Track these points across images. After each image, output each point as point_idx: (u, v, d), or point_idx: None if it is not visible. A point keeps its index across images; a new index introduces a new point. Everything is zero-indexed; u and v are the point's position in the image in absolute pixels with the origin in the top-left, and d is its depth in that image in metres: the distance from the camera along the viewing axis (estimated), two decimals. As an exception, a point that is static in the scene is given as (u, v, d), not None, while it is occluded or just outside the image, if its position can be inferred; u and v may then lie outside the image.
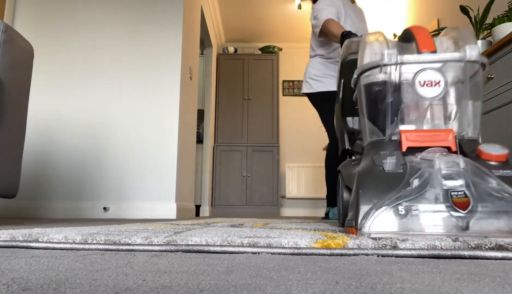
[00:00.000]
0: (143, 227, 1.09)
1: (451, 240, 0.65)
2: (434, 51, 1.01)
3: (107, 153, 2.93)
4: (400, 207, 0.79)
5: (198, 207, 4.71)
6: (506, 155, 0.90)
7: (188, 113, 3.45)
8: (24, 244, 0.64)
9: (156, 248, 0.61)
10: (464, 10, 2.36)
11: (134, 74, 3.05)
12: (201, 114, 4.97)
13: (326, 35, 2.27)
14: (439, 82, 0.99)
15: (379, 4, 4.80)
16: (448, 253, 0.57)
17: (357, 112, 1.30)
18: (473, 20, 2.39)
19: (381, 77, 1.04)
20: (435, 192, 0.80)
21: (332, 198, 2.37)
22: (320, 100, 2.44)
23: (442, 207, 0.78)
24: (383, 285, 0.35)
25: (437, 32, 2.69)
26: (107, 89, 3.03)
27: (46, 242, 0.65)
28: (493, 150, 0.91)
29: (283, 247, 0.61)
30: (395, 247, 0.61)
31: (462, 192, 0.79)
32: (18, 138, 1.68)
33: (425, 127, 1.03)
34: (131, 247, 0.62)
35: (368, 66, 1.06)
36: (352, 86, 1.18)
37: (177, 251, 0.61)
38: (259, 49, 5.66)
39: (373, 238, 0.69)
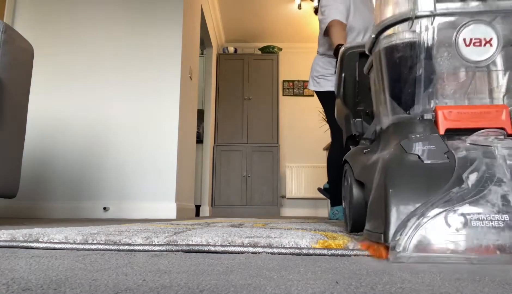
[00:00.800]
0: (143, 227, 1.09)
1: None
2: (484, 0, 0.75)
3: (107, 153, 2.93)
4: (453, 215, 0.55)
5: (198, 207, 4.71)
6: None
7: (188, 113, 3.45)
8: (25, 244, 0.64)
9: (157, 248, 0.61)
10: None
11: (134, 74, 3.05)
12: (201, 114, 4.97)
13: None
14: (490, 40, 0.74)
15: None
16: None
17: (359, 113, 1.14)
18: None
19: (408, 36, 0.78)
20: (501, 192, 0.57)
21: (335, 198, 2.35)
22: (326, 99, 2.40)
23: (506, 216, 0.54)
24: (383, 285, 0.35)
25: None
26: (107, 89, 3.03)
27: (46, 242, 0.65)
28: None
29: (284, 247, 0.60)
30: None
31: None
32: (18, 138, 1.68)
33: (467, 103, 0.78)
34: (132, 247, 0.62)
35: (392, 20, 0.78)
36: (367, 51, 0.92)
37: (178, 251, 0.61)
38: (259, 49, 5.66)
39: (415, 264, 0.50)
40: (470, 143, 0.67)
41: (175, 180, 2.90)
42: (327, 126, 5.59)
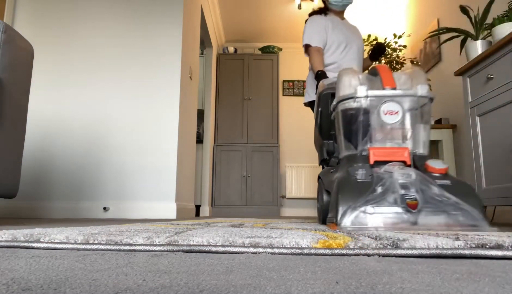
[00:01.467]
0: (144, 227, 1.09)
1: (452, 239, 0.65)
2: (394, 88, 1.33)
3: (107, 153, 2.93)
4: (368, 208, 1.05)
5: (198, 207, 4.71)
6: (446, 169, 1.21)
7: (188, 113, 3.45)
8: (26, 244, 0.64)
9: (158, 248, 0.61)
10: (464, 10, 2.36)
11: (134, 74, 3.05)
12: (201, 114, 4.97)
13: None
14: (397, 112, 1.32)
15: (379, 4, 4.81)
16: (449, 252, 0.57)
17: (332, 137, 1.70)
18: (473, 20, 2.39)
19: (354, 105, 1.37)
20: (393, 197, 1.07)
21: None
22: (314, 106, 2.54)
23: (398, 208, 1.05)
24: (383, 285, 0.35)
25: (437, 32, 2.69)
26: (107, 89, 3.03)
27: (48, 242, 0.65)
28: (436, 165, 1.21)
29: (285, 247, 0.60)
30: (396, 247, 0.61)
31: (413, 196, 1.06)
32: (18, 138, 1.68)
33: (387, 145, 1.33)
34: (133, 248, 0.62)
35: (345, 96, 1.38)
36: (331, 110, 1.51)
37: (179, 251, 0.61)
38: (259, 49, 5.66)
39: (348, 231, 0.95)
40: (384, 170, 1.17)
41: (175, 180, 2.90)
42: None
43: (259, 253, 0.59)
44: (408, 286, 0.35)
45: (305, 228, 1.08)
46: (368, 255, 0.58)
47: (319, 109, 1.72)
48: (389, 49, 3.62)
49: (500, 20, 2.13)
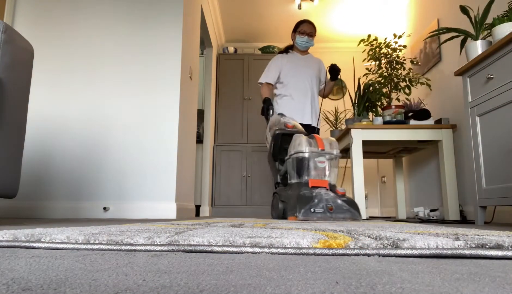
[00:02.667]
0: (144, 227, 1.09)
1: (452, 239, 0.65)
2: (323, 149, 2.36)
3: (107, 153, 2.93)
4: (311, 209, 2.05)
5: (198, 207, 4.70)
6: (344, 192, 2.24)
7: (188, 113, 3.45)
8: (27, 244, 0.64)
9: (159, 248, 0.61)
10: (464, 10, 2.36)
11: (134, 74, 3.05)
12: (201, 114, 4.97)
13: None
14: (324, 161, 2.37)
15: (379, 4, 4.80)
16: (449, 252, 0.57)
17: (281, 162, 2.74)
18: (473, 20, 2.39)
19: (301, 155, 2.35)
20: (322, 204, 2.08)
21: None
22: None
23: (324, 210, 2.07)
24: (383, 285, 0.35)
25: (437, 32, 2.69)
26: (107, 89, 3.03)
27: (48, 242, 0.65)
28: (340, 190, 2.24)
29: (285, 247, 0.61)
30: (396, 247, 0.61)
31: (331, 204, 2.09)
32: (18, 138, 1.68)
33: (318, 178, 2.33)
34: (134, 247, 0.62)
35: (297, 151, 2.37)
36: (287, 157, 2.50)
37: (180, 251, 0.61)
38: (259, 49, 5.66)
39: (301, 220, 1.92)
40: (317, 192, 2.18)
41: (175, 180, 2.90)
42: (327, 126, 5.59)
43: (259, 253, 0.59)
44: (408, 286, 0.35)
45: (305, 228, 1.08)
46: (368, 255, 0.58)
47: (273, 143, 2.71)
48: (389, 49, 3.62)
49: (500, 20, 2.13)
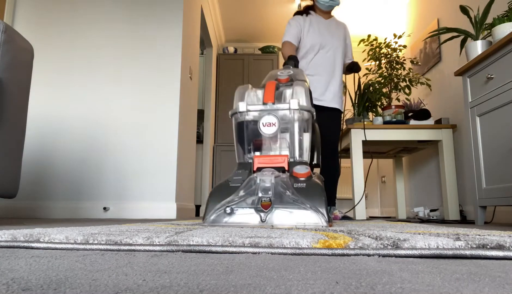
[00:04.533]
0: (144, 227, 1.09)
1: (453, 239, 0.65)
2: (273, 103, 1.49)
3: (107, 153, 2.93)
4: (227, 209, 1.25)
5: (198, 207, 4.70)
6: (306, 173, 1.35)
7: (188, 113, 3.45)
8: (26, 244, 0.64)
9: (158, 248, 0.61)
10: (464, 10, 2.36)
11: (134, 74, 3.05)
12: (201, 114, 4.97)
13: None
14: (275, 123, 1.46)
15: (379, 4, 4.80)
16: (450, 252, 0.57)
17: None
18: (473, 20, 2.39)
19: (241, 118, 1.53)
20: (252, 199, 1.26)
21: (329, 199, 2.49)
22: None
23: (251, 209, 1.24)
24: (383, 285, 0.35)
25: (437, 32, 2.69)
26: (107, 89, 3.03)
27: (47, 243, 0.65)
28: (300, 170, 1.36)
29: (285, 247, 0.60)
30: (397, 247, 0.61)
31: (268, 198, 1.24)
32: (18, 138, 1.68)
33: (272, 153, 1.52)
34: (133, 247, 0.62)
35: (233, 111, 1.54)
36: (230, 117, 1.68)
37: (179, 251, 0.61)
38: (259, 49, 5.66)
39: (210, 226, 1.16)
40: (256, 175, 1.35)
41: (175, 180, 2.90)
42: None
43: (259, 253, 0.59)
44: (408, 286, 0.35)
45: (305, 228, 1.08)
46: (368, 255, 0.58)
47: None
48: (389, 49, 3.62)
49: (500, 20, 2.13)
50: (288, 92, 1.58)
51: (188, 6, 3.42)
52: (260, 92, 1.59)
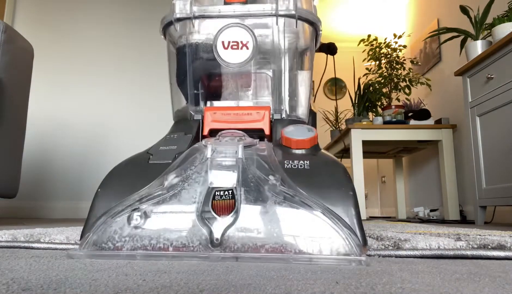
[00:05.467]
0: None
1: (453, 239, 0.65)
2: (245, 2, 0.76)
3: (107, 153, 2.93)
4: (136, 213, 0.55)
5: (198, 207, 4.71)
6: (309, 140, 0.69)
7: (188, 113, 3.45)
8: (26, 244, 0.64)
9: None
10: (464, 10, 2.36)
11: (135, 74, 3.05)
12: (201, 114, 4.97)
13: None
14: (247, 43, 0.74)
15: (379, 4, 4.81)
16: (451, 253, 0.56)
17: None
18: (473, 20, 2.39)
19: (181, 35, 0.80)
20: (194, 191, 0.57)
21: None
22: None
23: (192, 215, 0.55)
24: (383, 285, 0.35)
25: (437, 32, 2.69)
26: (107, 89, 3.03)
27: (48, 243, 0.65)
28: (295, 135, 0.69)
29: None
30: (398, 248, 0.61)
31: (229, 192, 0.57)
32: (18, 138, 1.68)
33: (241, 104, 0.82)
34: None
35: (166, 20, 0.80)
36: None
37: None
38: (259, 49, 5.65)
39: (88, 256, 0.52)
40: (204, 144, 0.65)
41: (175, 180, 2.90)
42: (327, 125, 5.60)
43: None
44: (408, 286, 0.35)
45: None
46: (369, 255, 0.58)
47: None
48: (389, 49, 3.62)
49: (500, 20, 2.13)
50: None
51: (188, 6, 3.43)
52: None
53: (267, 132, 0.74)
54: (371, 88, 3.49)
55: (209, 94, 0.82)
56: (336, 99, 3.82)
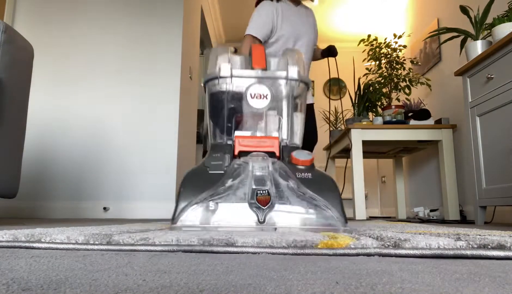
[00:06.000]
0: (144, 227, 1.09)
1: (454, 239, 0.65)
2: (265, 69, 1.18)
3: (107, 153, 2.93)
4: (211, 204, 0.93)
5: (198, 207, 4.70)
6: (310, 160, 1.06)
7: (188, 113, 3.45)
8: (27, 244, 0.64)
9: (159, 248, 0.61)
10: (464, 10, 2.36)
11: (134, 73, 3.05)
12: (201, 114, 4.97)
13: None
14: (266, 95, 1.15)
15: (379, 4, 4.81)
16: (451, 253, 0.57)
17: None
18: (473, 20, 2.39)
19: (220, 87, 1.19)
20: (244, 191, 0.96)
21: None
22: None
23: (246, 204, 0.93)
24: (383, 285, 0.35)
25: (437, 32, 2.69)
26: (107, 89, 3.03)
27: (48, 243, 0.65)
28: (300, 156, 1.06)
29: (286, 247, 0.60)
30: (398, 247, 0.61)
31: (266, 191, 0.95)
32: (18, 138, 1.68)
33: (258, 134, 1.19)
34: (134, 248, 0.62)
35: (208, 77, 1.19)
36: (205, 93, 1.30)
37: (179, 251, 0.61)
38: (259, 49, 5.66)
39: (185, 230, 0.87)
40: (243, 161, 1.04)
41: (175, 180, 2.90)
42: (327, 126, 5.60)
43: (259, 253, 0.59)
44: (408, 286, 0.35)
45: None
46: (369, 255, 0.58)
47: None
48: (389, 49, 3.62)
49: (500, 20, 2.13)
50: (273, 61, 1.27)
51: (188, 6, 3.42)
52: (241, 58, 1.25)
53: (277, 154, 1.12)
54: (371, 88, 3.49)
55: (236, 127, 1.21)
56: (335, 99, 3.82)
